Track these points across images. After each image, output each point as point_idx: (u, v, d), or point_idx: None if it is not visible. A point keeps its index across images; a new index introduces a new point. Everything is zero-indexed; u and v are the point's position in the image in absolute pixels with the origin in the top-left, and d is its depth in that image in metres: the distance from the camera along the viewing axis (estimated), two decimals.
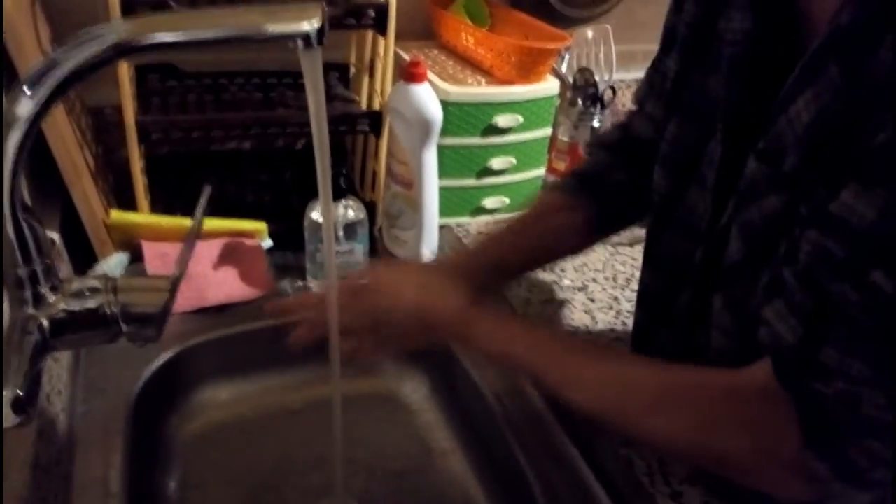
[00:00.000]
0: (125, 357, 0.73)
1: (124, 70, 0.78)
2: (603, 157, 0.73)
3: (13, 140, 0.36)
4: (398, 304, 0.62)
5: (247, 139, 0.89)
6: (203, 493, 0.71)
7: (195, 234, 0.55)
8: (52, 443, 0.60)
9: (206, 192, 0.58)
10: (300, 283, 0.87)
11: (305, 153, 0.89)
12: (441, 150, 0.91)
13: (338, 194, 0.82)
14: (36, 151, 0.73)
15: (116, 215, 0.80)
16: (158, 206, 0.95)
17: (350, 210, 0.83)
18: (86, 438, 0.64)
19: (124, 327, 0.46)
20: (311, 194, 0.83)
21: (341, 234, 0.83)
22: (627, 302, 0.85)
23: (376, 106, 0.93)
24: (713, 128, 0.54)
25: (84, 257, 0.82)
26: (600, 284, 0.89)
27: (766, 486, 0.47)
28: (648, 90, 0.68)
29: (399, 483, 0.74)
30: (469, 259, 0.72)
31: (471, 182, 0.99)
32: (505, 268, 0.71)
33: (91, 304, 0.45)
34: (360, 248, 0.84)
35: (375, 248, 0.96)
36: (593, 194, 0.70)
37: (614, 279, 0.90)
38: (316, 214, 0.82)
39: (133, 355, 0.74)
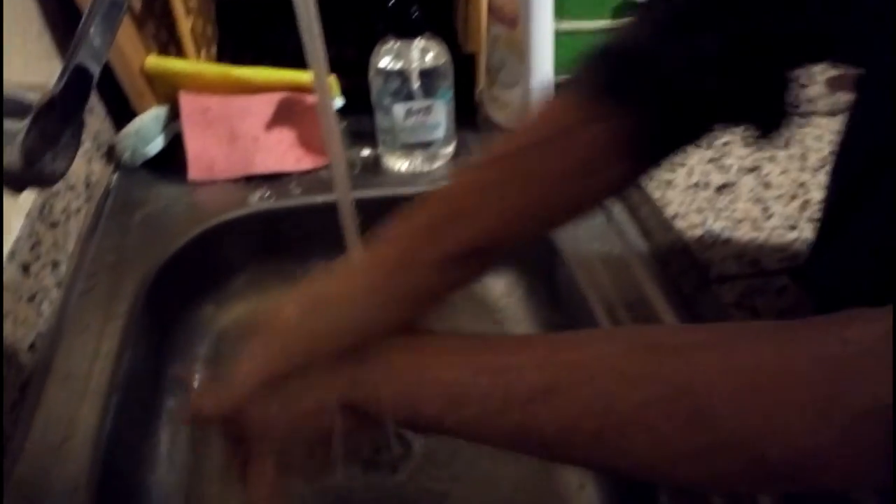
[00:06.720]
0: (152, 228, 0.61)
1: None
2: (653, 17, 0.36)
3: None
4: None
5: None
6: None
7: None
8: (30, 325, 0.49)
9: None
10: (368, 152, 0.70)
11: None
12: None
13: (408, 30, 0.61)
14: None
15: (153, 61, 0.66)
16: (225, 59, 0.82)
17: (428, 53, 0.62)
18: (79, 321, 0.53)
19: None
20: None
21: (416, 85, 0.63)
22: (819, 192, 0.58)
23: None
24: None
25: (125, 112, 0.69)
26: (780, 164, 0.62)
27: None
28: None
29: None
30: (407, 251, 0.35)
31: (602, 24, 0.73)
32: (482, 249, 0.35)
33: None
34: (440, 107, 0.64)
35: (474, 119, 0.75)
36: (642, 87, 0.34)
37: (803, 157, 0.63)
38: (386, 60, 0.63)
39: (161, 226, 0.61)
